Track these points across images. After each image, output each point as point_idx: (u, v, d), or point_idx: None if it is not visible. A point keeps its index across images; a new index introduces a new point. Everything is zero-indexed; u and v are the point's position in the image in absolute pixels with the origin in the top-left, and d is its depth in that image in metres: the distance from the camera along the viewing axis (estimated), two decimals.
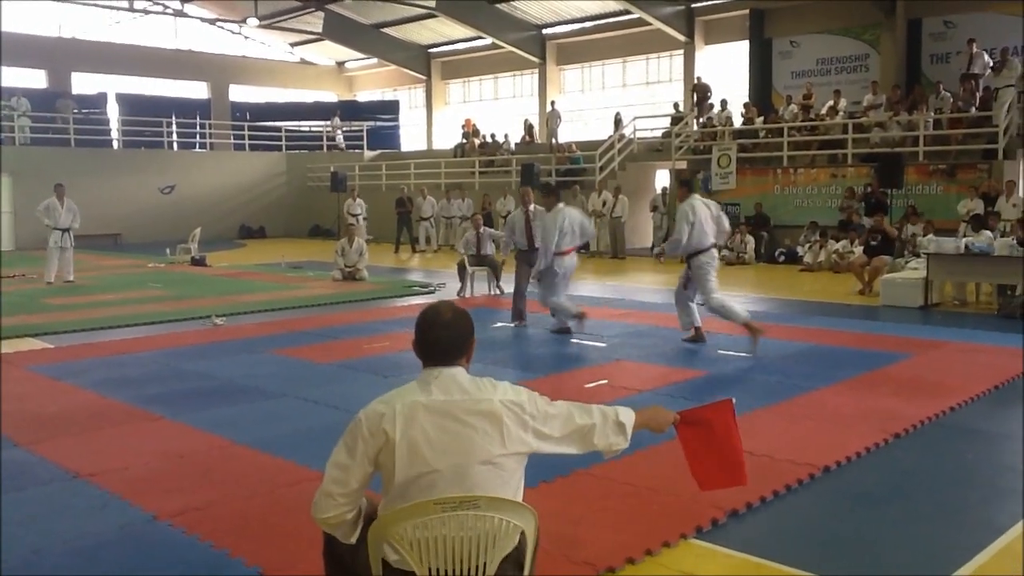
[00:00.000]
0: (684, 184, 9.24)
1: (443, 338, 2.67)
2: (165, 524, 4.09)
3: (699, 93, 22.56)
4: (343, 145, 31.12)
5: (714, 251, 8.79)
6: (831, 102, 19.81)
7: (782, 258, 17.70)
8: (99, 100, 28.78)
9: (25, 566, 3.67)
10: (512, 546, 2.57)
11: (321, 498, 2.64)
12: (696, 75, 23.88)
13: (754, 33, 22.85)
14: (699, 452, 3.21)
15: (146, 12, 29.90)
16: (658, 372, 7.36)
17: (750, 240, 17.85)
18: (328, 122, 31.93)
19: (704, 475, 3.29)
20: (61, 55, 28.86)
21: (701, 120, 21.91)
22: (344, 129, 31.89)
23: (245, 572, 3.59)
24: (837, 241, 16.19)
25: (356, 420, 2.62)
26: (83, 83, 29.32)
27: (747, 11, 22.92)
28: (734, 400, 3.30)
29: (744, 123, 21.06)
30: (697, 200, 8.76)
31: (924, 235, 13.86)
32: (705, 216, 8.68)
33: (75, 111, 27.24)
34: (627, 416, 2.91)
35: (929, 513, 4.23)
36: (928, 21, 20.20)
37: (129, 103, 28.90)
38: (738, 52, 23.65)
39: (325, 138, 31.37)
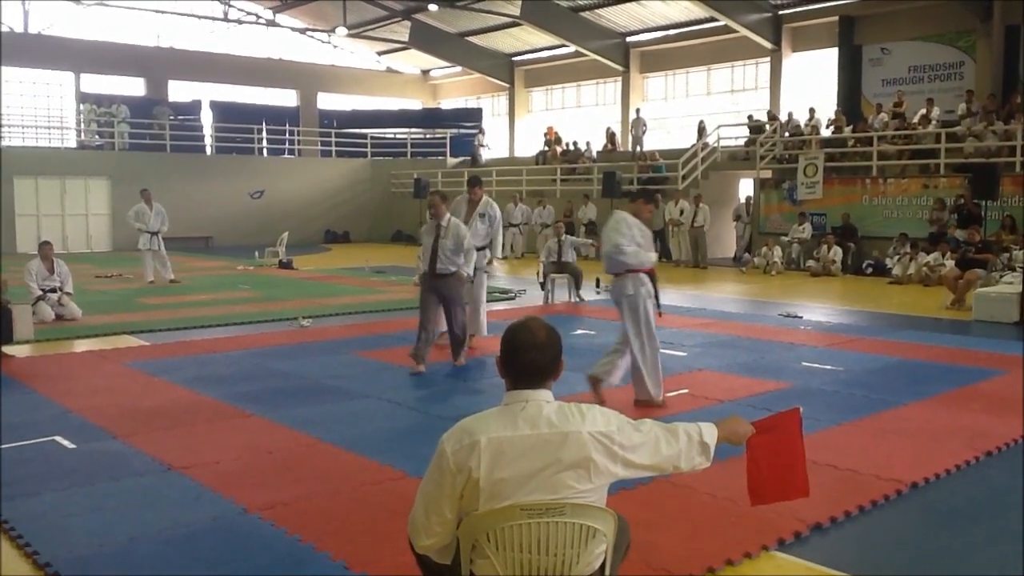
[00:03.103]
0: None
1: (537, 361, 2.60)
2: (255, 517, 4.22)
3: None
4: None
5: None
6: (923, 110, 19.29)
7: (870, 270, 17.27)
8: (194, 107, 29.74)
9: (122, 553, 3.84)
10: (599, 562, 2.57)
11: (418, 526, 2.61)
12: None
13: (843, 40, 22.38)
14: (761, 462, 3.15)
15: (240, 22, 30.79)
16: (739, 383, 7.28)
17: (837, 251, 17.47)
18: (410, 129, 32.49)
19: (760, 488, 3.21)
20: (159, 64, 29.89)
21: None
22: (428, 136, 32.30)
23: (331, 566, 3.68)
24: (928, 254, 15.73)
25: (441, 451, 2.55)
26: (179, 91, 30.35)
27: (836, 18, 22.48)
28: (802, 409, 3.25)
29: (832, 132, 20.65)
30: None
31: (1019, 249, 13.39)
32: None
33: (171, 118, 28.23)
34: (711, 436, 2.85)
35: (1020, 533, 4.10)
36: None
37: (222, 110, 29.78)
38: (827, 59, 23.19)
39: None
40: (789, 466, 3.19)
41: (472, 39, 31.30)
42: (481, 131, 31.12)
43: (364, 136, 31.56)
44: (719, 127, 23.03)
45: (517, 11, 26.20)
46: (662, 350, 8.79)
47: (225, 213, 27.30)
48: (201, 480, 4.77)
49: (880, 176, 18.48)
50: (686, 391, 6.99)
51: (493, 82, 32.94)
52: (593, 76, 30.03)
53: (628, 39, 28.30)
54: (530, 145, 30.99)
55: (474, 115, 33.52)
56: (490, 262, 9.59)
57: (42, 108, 28.27)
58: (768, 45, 24.21)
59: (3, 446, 5.37)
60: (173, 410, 6.36)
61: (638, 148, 24.99)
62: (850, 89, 22.27)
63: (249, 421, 6.07)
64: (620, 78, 28.96)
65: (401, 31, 30.70)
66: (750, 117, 23.02)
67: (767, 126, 21.86)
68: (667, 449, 2.73)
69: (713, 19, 24.33)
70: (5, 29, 27.08)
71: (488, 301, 12.97)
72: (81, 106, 28.10)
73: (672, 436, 2.76)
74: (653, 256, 6.64)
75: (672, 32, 27.10)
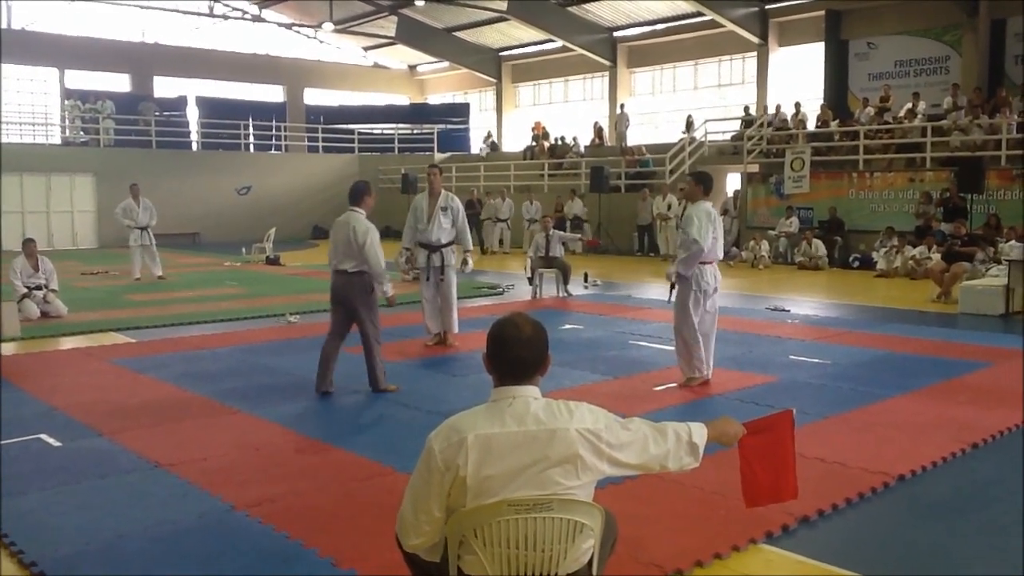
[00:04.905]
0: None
1: (523, 356, 2.57)
2: (242, 514, 4.20)
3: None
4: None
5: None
6: (909, 105, 19.36)
7: (856, 264, 17.33)
8: (179, 103, 29.58)
9: (108, 551, 3.82)
10: (586, 557, 2.56)
11: (407, 525, 2.59)
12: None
13: (830, 34, 22.42)
14: (754, 464, 3.16)
15: (225, 17, 30.61)
16: (728, 376, 7.29)
17: (819, 245, 17.50)
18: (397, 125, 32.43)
19: (754, 490, 3.23)
20: (144, 60, 29.72)
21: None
22: (416, 131, 32.28)
23: (318, 563, 3.67)
24: (914, 247, 15.80)
25: (429, 449, 2.53)
26: (164, 87, 30.16)
27: (823, 12, 22.49)
28: (795, 411, 3.27)
29: (819, 126, 20.70)
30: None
31: (1006, 241, 13.46)
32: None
33: (157, 114, 28.08)
34: (700, 437, 2.83)
35: (1008, 525, 4.12)
36: (1013, 21, 19.53)
37: (208, 106, 29.63)
38: (813, 54, 23.23)
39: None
40: (780, 468, 3.21)
41: (459, 34, 31.24)
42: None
43: (351, 131, 31.52)
44: (706, 121, 23.07)
45: (504, 6, 26.13)
46: (651, 345, 8.85)
47: (212, 209, 27.19)
48: (188, 477, 4.75)
49: (866, 170, 18.54)
50: (675, 385, 6.99)
51: (480, 77, 32.88)
52: (580, 71, 30.01)
53: (615, 34, 28.29)
54: (518, 140, 30.97)
55: (461, 110, 33.50)
56: (464, 261, 9.32)
57: (26, 104, 28.08)
58: (755, 40, 24.24)
59: None
60: (160, 407, 6.32)
61: (623, 143, 25.01)
62: (836, 83, 22.32)
63: (236, 418, 6.05)
64: (607, 73, 28.95)
65: (388, 26, 30.60)
66: (746, 109, 23.03)
67: (758, 121, 21.86)
68: (655, 448, 2.72)
69: (700, 14, 24.35)
70: None
71: (475, 296, 13.03)
72: (66, 102, 27.90)
73: (661, 436, 2.75)
74: None
75: (659, 27, 27.10)
